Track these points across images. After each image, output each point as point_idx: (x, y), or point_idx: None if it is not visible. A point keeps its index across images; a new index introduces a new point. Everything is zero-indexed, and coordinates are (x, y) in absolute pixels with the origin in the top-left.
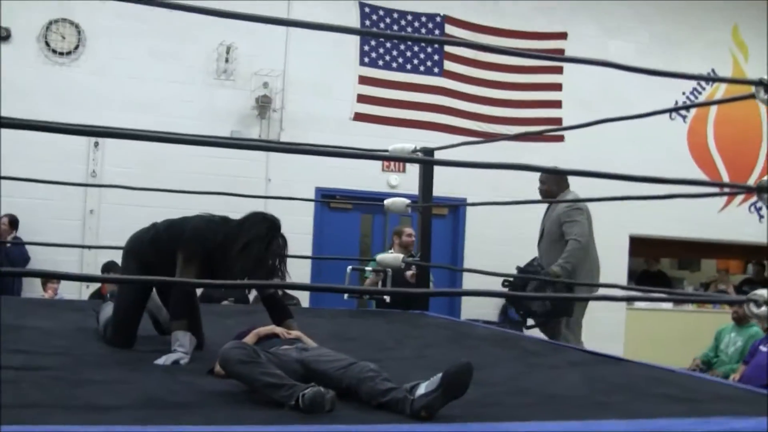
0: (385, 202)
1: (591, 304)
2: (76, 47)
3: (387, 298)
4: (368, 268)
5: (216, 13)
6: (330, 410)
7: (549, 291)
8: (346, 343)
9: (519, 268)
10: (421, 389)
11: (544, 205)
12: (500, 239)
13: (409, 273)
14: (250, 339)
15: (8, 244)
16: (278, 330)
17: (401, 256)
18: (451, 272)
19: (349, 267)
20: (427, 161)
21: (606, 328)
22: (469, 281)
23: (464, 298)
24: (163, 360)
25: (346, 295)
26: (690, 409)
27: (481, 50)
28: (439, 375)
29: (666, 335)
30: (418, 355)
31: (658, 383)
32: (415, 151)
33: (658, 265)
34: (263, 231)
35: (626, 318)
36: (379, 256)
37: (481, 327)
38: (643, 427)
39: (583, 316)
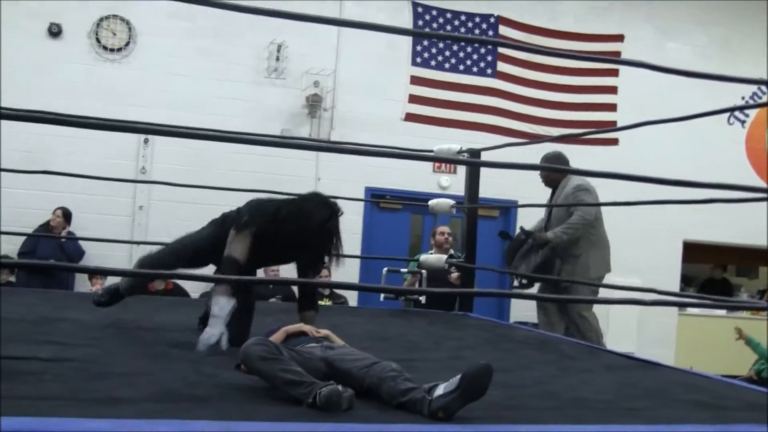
0: (430, 202)
1: (643, 309)
2: (127, 44)
3: (422, 299)
4: (404, 270)
5: (267, 13)
6: (347, 409)
7: (535, 257)
8: (381, 342)
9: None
10: (440, 390)
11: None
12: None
13: (453, 275)
14: (278, 336)
15: (63, 239)
16: (306, 328)
17: (444, 257)
18: (500, 274)
19: (385, 269)
20: (471, 162)
21: (658, 333)
22: None
23: (513, 300)
24: (203, 343)
25: (381, 296)
26: (715, 416)
27: (535, 53)
28: (458, 376)
29: (718, 342)
30: (452, 357)
31: (689, 389)
32: (460, 152)
33: (723, 273)
34: (325, 215)
35: (678, 323)
36: (422, 257)
37: (523, 330)
38: None
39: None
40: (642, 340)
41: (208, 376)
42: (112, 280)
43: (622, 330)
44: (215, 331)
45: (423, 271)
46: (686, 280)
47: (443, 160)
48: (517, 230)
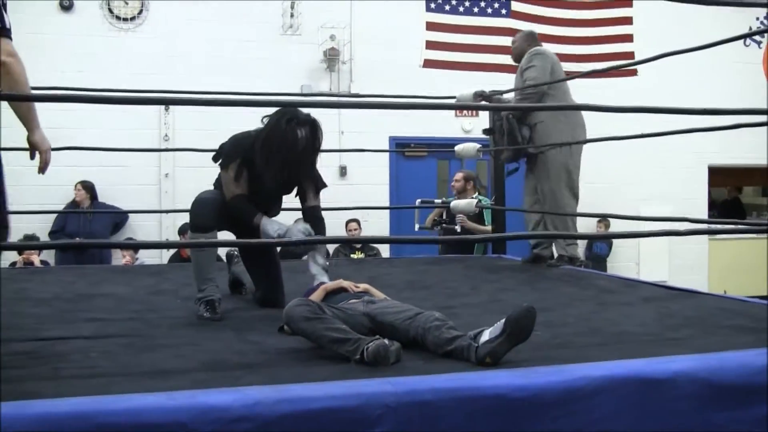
0: (456, 148)
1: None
2: (140, 12)
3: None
4: (438, 200)
5: None
6: (395, 362)
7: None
8: (420, 291)
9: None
10: (485, 336)
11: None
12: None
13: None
14: (317, 295)
15: (89, 215)
16: (346, 284)
17: (474, 201)
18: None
19: (418, 200)
20: (492, 108)
21: (689, 259)
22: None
23: None
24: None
25: (416, 227)
26: (758, 340)
27: None
28: (502, 320)
29: (750, 264)
30: (491, 300)
31: (729, 315)
32: (480, 94)
33: (736, 194)
34: (282, 121)
35: (709, 248)
36: (453, 203)
37: (558, 268)
38: (708, 361)
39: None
40: (674, 267)
41: (253, 343)
42: (142, 253)
43: (654, 258)
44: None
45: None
46: (711, 205)
47: (467, 107)
48: None
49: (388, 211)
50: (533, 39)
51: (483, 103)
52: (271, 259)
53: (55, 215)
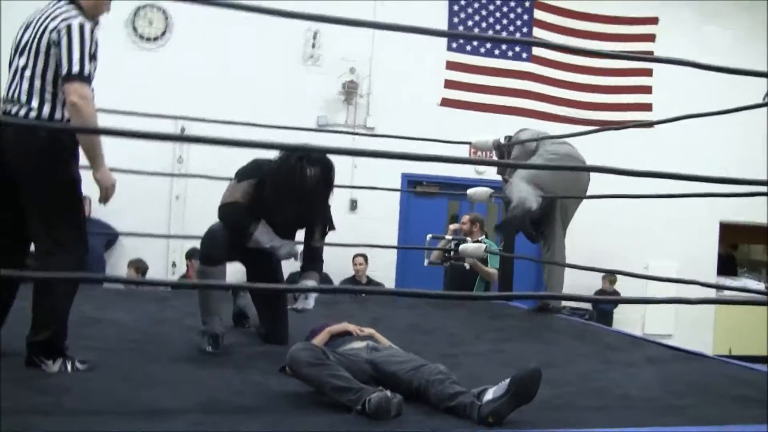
0: (468, 192)
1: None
2: (163, 33)
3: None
4: (447, 237)
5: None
6: (397, 415)
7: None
8: (423, 335)
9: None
10: (489, 394)
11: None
12: (588, 229)
13: (469, 261)
14: (322, 337)
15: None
16: (351, 327)
17: (483, 246)
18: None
19: (429, 235)
20: (505, 164)
21: (695, 315)
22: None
23: None
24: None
25: (426, 261)
26: (763, 414)
27: (567, 52)
28: (507, 380)
29: (757, 323)
30: (493, 350)
31: (735, 383)
32: (499, 142)
33: (731, 251)
34: (293, 158)
35: (717, 306)
36: (462, 246)
37: (563, 319)
38: None
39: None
40: (680, 322)
41: (254, 384)
42: (150, 272)
43: (660, 312)
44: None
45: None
46: (725, 264)
47: (483, 162)
48: None
49: (396, 243)
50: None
51: (494, 159)
52: (278, 293)
53: None
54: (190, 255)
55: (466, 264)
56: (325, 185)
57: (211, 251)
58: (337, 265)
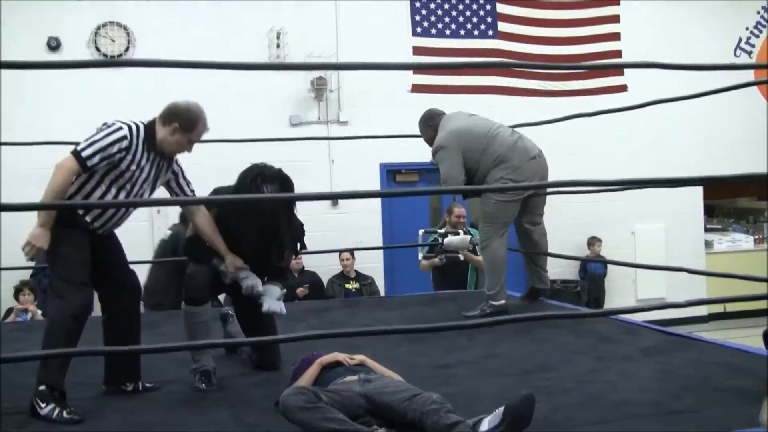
0: (445, 240)
1: (670, 252)
2: (126, 49)
3: (461, 257)
4: (441, 230)
5: None
6: None
7: None
8: (417, 345)
9: None
10: (485, 425)
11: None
12: (573, 196)
13: (425, 262)
14: (313, 370)
15: None
16: (341, 357)
17: (468, 238)
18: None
19: (421, 230)
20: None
21: (687, 276)
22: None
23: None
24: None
25: (420, 256)
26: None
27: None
28: (502, 408)
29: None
30: (487, 355)
31: (732, 373)
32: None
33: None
34: (248, 179)
35: (706, 263)
36: (446, 240)
37: (553, 305)
38: None
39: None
40: (671, 284)
41: (250, 426)
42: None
43: (652, 274)
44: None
45: (442, 256)
46: (709, 211)
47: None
48: None
49: (381, 236)
50: (433, 119)
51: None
52: (267, 319)
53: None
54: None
55: (460, 255)
56: (285, 202)
57: (194, 292)
58: (323, 261)
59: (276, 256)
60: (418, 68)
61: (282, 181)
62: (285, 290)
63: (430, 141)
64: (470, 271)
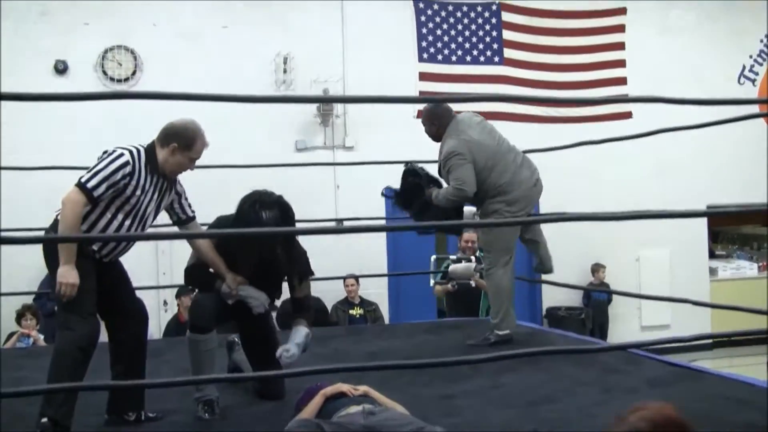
0: (450, 268)
1: (675, 279)
2: (134, 73)
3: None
4: (453, 256)
5: None
6: None
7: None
8: (421, 375)
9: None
10: None
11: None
12: (575, 223)
13: (476, 278)
14: (317, 401)
15: None
16: (345, 388)
17: (472, 265)
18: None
19: (433, 256)
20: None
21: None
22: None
23: (543, 287)
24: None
25: (432, 282)
26: None
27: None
28: None
29: (751, 300)
30: (492, 386)
31: (738, 406)
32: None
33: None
34: (246, 206)
35: (711, 290)
36: (451, 267)
37: (557, 335)
38: None
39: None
40: (676, 310)
41: None
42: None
43: (656, 302)
44: (295, 351)
45: (454, 282)
46: (714, 237)
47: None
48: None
49: (385, 261)
50: (444, 117)
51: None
52: (273, 347)
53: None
54: (180, 293)
55: (471, 282)
56: (284, 225)
57: (199, 320)
58: (328, 287)
59: (291, 287)
60: (423, 102)
61: (281, 207)
62: (311, 334)
63: (433, 137)
64: (483, 297)
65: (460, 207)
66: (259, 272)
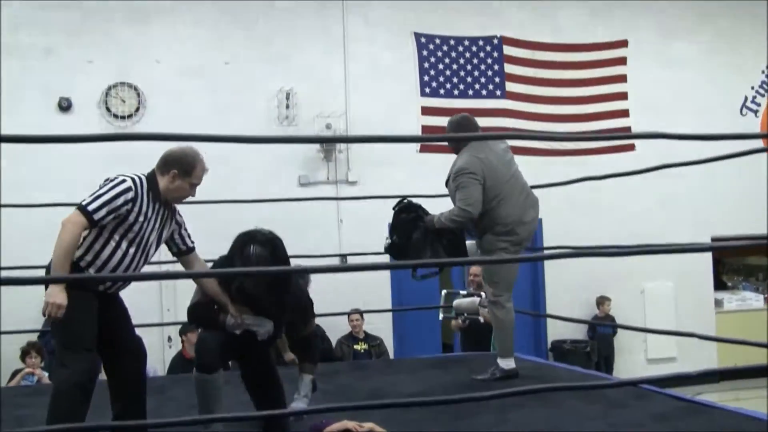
0: (455, 303)
1: (680, 311)
2: (137, 109)
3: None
4: (463, 291)
5: None
6: None
7: (432, 240)
8: (427, 410)
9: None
10: None
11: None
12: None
13: (484, 312)
14: None
15: None
16: (350, 425)
17: (477, 299)
18: (533, 292)
19: (444, 291)
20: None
21: (697, 333)
22: (552, 296)
23: (548, 320)
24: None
25: (441, 316)
26: None
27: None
28: None
29: (758, 335)
30: (499, 420)
31: None
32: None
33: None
34: (237, 245)
35: (717, 322)
36: (456, 302)
37: (563, 370)
38: None
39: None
40: (682, 343)
41: None
42: (147, 347)
43: (662, 336)
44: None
45: (464, 317)
46: (719, 267)
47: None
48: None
49: (389, 294)
50: (467, 129)
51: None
52: (275, 382)
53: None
54: (184, 330)
55: (480, 318)
56: (274, 261)
57: (205, 359)
58: (332, 323)
59: (293, 329)
60: (426, 141)
61: (270, 241)
62: (315, 382)
63: (453, 148)
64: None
65: (461, 241)
66: (258, 309)
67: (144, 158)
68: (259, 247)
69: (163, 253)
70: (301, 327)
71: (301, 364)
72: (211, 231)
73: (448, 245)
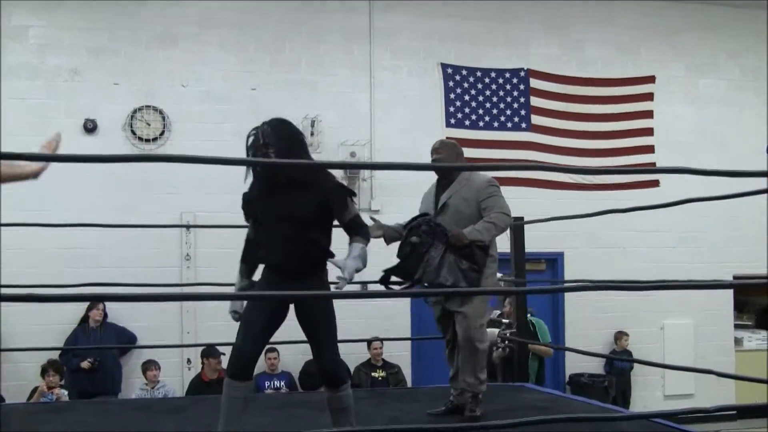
0: None
1: (699, 348)
2: (162, 133)
3: None
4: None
5: None
6: None
7: (451, 258)
8: None
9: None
10: None
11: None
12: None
13: (497, 352)
14: None
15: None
16: None
17: (496, 331)
18: (553, 325)
19: None
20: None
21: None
22: (571, 331)
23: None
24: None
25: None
26: None
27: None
28: None
29: None
30: None
31: None
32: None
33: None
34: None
35: (736, 360)
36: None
37: (578, 403)
38: None
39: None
40: (700, 380)
41: None
42: (166, 369)
43: (680, 372)
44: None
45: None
46: (739, 307)
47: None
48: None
49: (409, 322)
50: (462, 157)
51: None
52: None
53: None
54: (207, 354)
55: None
56: (278, 137)
57: (238, 368)
58: (351, 350)
59: (337, 213)
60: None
61: (274, 119)
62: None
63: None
64: (530, 360)
65: (481, 267)
66: (290, 196)
67: (172, 179)
68: (263, 126)
69: (183, 275)
70: (340, 208)
71: (352, 237)
72: (233, 257)
73: (469, 269)
